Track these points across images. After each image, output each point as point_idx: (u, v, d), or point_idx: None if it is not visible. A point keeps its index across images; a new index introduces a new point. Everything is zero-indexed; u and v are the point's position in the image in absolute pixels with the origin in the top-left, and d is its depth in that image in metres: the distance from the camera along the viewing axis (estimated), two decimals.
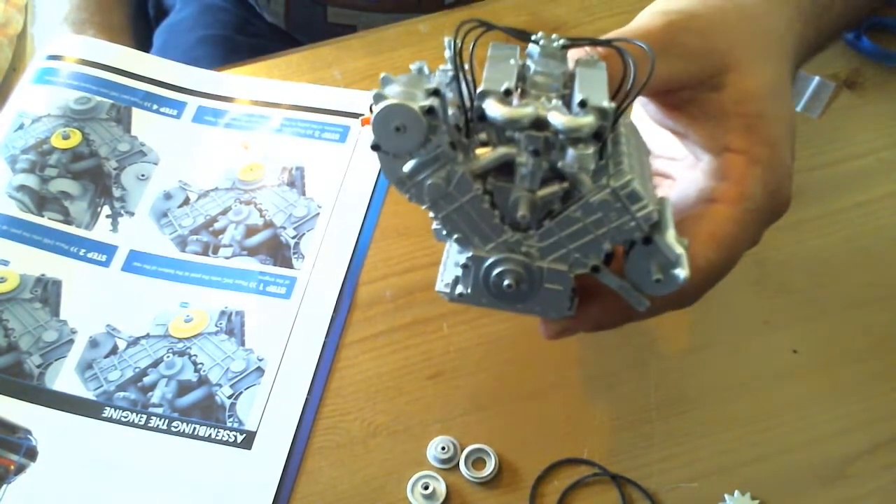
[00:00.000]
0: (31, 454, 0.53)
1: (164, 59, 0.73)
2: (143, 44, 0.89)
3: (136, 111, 0.69)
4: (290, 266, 0.61)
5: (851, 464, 0.52)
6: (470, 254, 0.39)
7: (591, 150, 0.35)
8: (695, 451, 0.53)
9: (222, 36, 0.86)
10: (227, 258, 0.62)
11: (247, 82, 0.71)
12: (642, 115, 0.46)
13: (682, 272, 0.37)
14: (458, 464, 0.53)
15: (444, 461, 0.53)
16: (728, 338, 0.57)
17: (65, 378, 0.56)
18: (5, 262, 0.60)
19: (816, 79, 0.68)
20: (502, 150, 0.37)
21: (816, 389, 0.55)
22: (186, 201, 0.65)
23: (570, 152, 0.35)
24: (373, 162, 0.67)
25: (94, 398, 0.55)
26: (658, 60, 0.38)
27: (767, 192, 0.41)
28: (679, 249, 0.37)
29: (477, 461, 0.53)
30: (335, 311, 0.59)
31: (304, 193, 0.65)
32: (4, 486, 0.52)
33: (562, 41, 0.38)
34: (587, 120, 0.34)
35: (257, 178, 0.66)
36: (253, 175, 0.66)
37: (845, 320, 0.58)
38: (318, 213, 0.63)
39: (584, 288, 0.42)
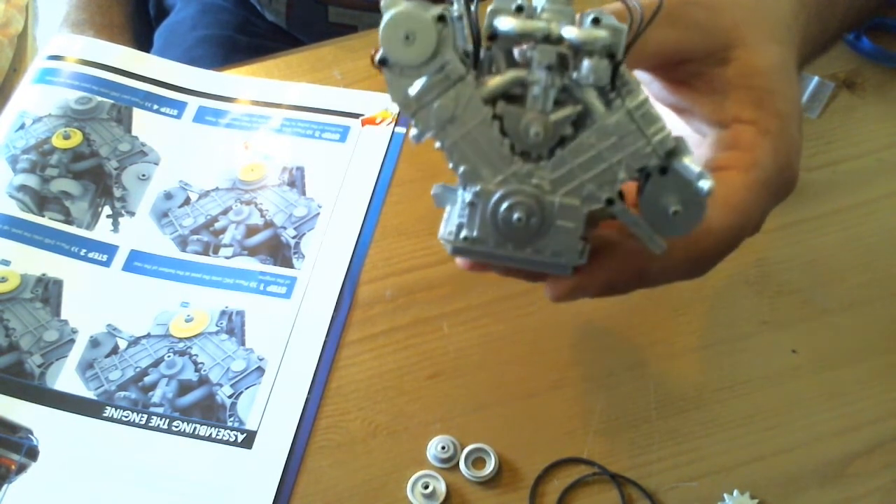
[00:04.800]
0: (33, 454, 0.53)
1: (165, 59, 0.73)
2: (144, 44, 0.89)
3: (136, 111, 0.69)
4: (291, 266, 0.61)
5: (851, 463, 0.52)
6: (477, 188, 0.37)
7: (606, 61, 0.34)
8: (694, 451, 0.53)
9: (223, 36, 0.86)
10: (227, 258, 0.62)
11: (247, 82, 0.71)
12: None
13: (706, 183, 0.35)
14: (458, 463, 0.53)
15: (444, 461, 0.53)
16: (728, 338, 0.57)
17: (66, 378, 0.56)
18: (6, 262, 0.61)
19: (815, 79, 0.68)
20: (513, 73, 0.36)
21: (816, 389, 0.55)
22: (187, 201, 0.65)
23: (586, 63, 0.34)
24: (373, 162, 0.67)
25: (95, 398, 0.56)
26: (664, 30, 0.38)
27: (777, 164, 0.41)
28: (700, 168, 0.35)
29: (477, 461, 0.53)
30: (335, 310, 0.59)
31: (304, 193, 0.65)
32: (6, 485, 0.52)
33: None
34: (601, 33, 0.34)
35: (258, 178, 0.66)
36: (253, 175, 0.66)
37: (845, 320, 0.58)
38: (318, 213, 0.63)
39: (595, 248, 0.40)
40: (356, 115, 0.68)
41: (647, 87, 0.45)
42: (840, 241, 0.61)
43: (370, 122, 0.68)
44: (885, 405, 0.54)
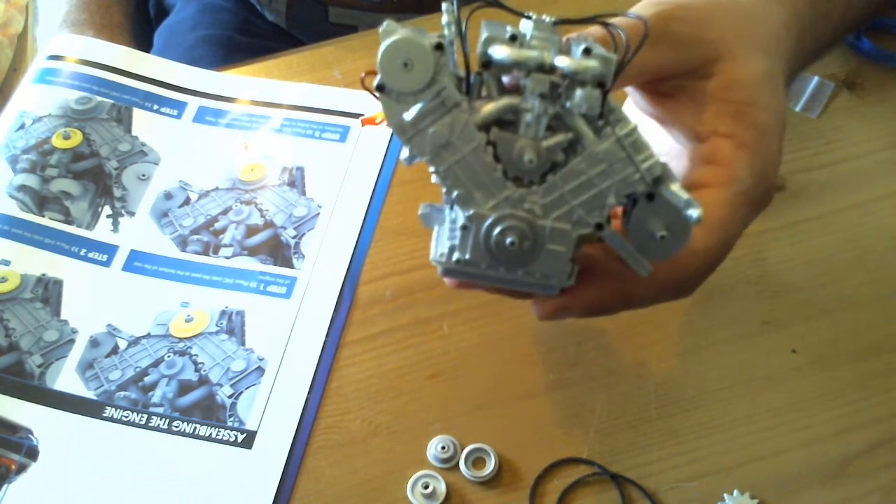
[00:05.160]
0: (33, 454, 0.53)
1: (165, 59, 0.73)
2: (144, 44, 0.89)
3: (136, 111, 0.69)
4: (291, 266, 0.61)
5: (851, 463, 0.52)
6: (471, 212, 0.38)
7: (597, 91, 0.35)
8: (694, 451, 0.53)
9: (223, 36, 0.86)
10: (227, 258, 0.62)
11: (247, 82, 0.71)
12: (630, 106, 0.46)
13: (695, 211, 0.36)
14: (458, 463, 0.53)
15: (444, 461, 0.53)
16: (728, 338, 0.57)
17: (66, 378, 0.56)
18: (6, 262, 0.61)
19: (815, 79, 0.68)
20: (506, 100, 0.37)
21: (816, 389, 0.55)
22: (187, 201, 0.65)
23: (579, 92, 0.35)
24: (373, 162, 0.67)
25: (95, 398, 0.56)
26: (648, 49, 0.38)
27: (754, 177, 0.41)
28: (687, 195, 0.37)
29: (477, 461, 0.53)
30: (335, 310, 0.59)
31: (304, 193, 0.65)
32: (6, 485, 0.52)
33: (553, 18, 0.38)
34: (592, 63, 0.35)
35: (258, 178, 0.66)
36: (253, 175, 0.66)
37: (845, 320, 0.58)
38: (318, 213, 0.64)
39: (582, 270, 0.41)
40: (356, 115, 0.69)
41: (630, 97, 0.45)
42: (840, 241, 0.61)
43: (370, 122, 0.68)
44: (885, 405, 0.54)
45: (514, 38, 0.36)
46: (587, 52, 0.35)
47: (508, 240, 0.38)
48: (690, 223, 0.37)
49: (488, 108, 0.37)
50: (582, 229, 0.38)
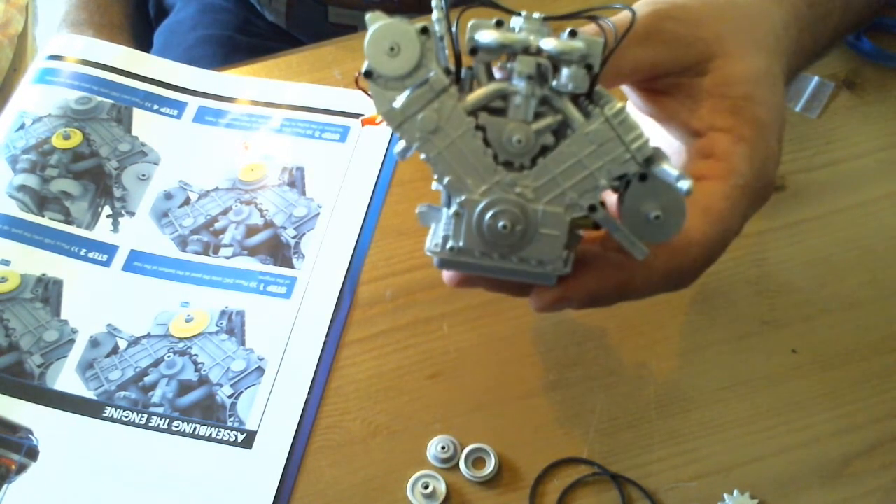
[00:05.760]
0: (33, 454, 0.53)
1: (165, 59, 0.73)
2: (144, 44, 0.89)
3: (136, 111, 0.69)
4: (291, 266, 0.61)
5: (851, 464, 0.52)
6: (462, 198, 0.38)
7: (584, 70, 0.35)
8: (694, 451, 0.53)
9: (223, 36, 0.86)
10: (227, 258, 0.62)
11: (247, 82, 0.71)
12: (629, 107, 0.46)
13: (685, 183, 0.36)
14: (458, 463, 0.53)
15: (444, 461, 0.53)
16: (728, 338, 0.57)
17: (66, 378, 0.56)
18: (6, 262, 0.61)
19: (815, 79, 0.68)
20: (495, 85, 0.37)
21: (816, 389, 0.55)
22: (187, 201, 0.65)
23: (565, 71, 0.35)
24: (373, 162, 0.67)
25: (95, 398, 0.56)
26: (638, 49, 0.38)
27: (753, 171, 0.41)
28: (678, 171, 0.36)
29: (477, 461, 0.53)
30: (335, 310, 0.59)
31: (304, 193, 0.65)
32: (6, 485, 0.52)
33: (542, 15, 0.38)
34: (577, 43, 0.35)
35: (258, 178, 0.66)
36: (253, 175, 0.66)
37: (845, 320, 0.58)
38: (318, 213, 0.64)
39: (580, 261, 0.41)
40: (356, 115, 0.69)
41: (627, 96, 0.45)
42: (840, 241, 0.61)
43: (370, 122, 0.68)
44: (885, 405, 0.54)
45: (500, 24, 0.36)
46: (573, 34, 0.36)
47: (500, 223, 0.38)
48: (681, 195, 0.36)
49: (477, 92, 0.37)
50: (575, 212, 0.38)
